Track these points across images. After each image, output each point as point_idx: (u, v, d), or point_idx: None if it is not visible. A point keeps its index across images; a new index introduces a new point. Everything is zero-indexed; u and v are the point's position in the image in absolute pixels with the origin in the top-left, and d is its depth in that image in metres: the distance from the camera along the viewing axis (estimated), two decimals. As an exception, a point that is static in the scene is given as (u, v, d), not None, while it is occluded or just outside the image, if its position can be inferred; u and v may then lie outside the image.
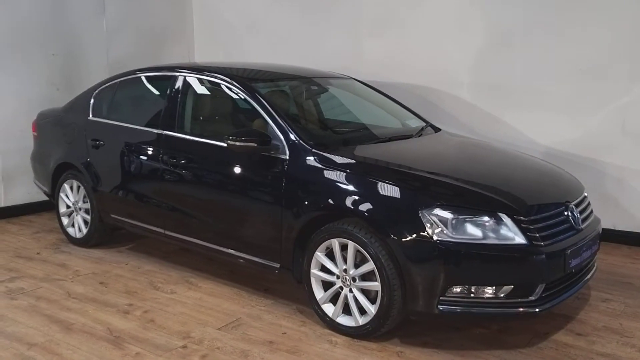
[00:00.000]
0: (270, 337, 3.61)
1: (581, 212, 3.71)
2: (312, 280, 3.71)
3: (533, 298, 3.29)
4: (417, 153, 4.06)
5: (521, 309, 3.29)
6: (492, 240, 3.24)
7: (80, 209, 5.20)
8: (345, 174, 3.61)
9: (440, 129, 4.71)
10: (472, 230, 3.25)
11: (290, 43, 6.86)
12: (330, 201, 3.58)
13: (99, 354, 3.41)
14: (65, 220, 5.36)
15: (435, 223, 3.24)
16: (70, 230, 5.32)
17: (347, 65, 6.17)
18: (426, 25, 5.93)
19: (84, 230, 5.18)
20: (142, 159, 4.62)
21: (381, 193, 3.45)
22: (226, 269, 4.66)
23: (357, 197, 3.49)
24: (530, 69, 5.44)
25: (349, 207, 3.49)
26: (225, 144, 4.01)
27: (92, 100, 5.15)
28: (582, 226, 3.63)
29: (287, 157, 3.80)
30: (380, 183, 3.47)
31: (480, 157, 4.14)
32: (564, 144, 5.35)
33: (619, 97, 5.09)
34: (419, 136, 4.46)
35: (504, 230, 3.26)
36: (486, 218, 3.27)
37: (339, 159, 3.71)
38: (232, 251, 4.12)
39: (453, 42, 5.80)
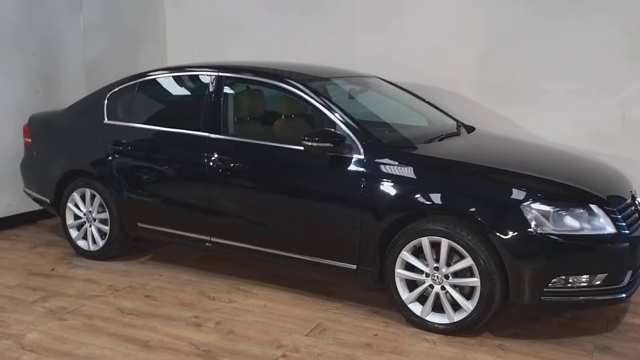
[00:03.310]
0: (364, 339, 3.56)
1: (639, 201, 3.96)
2: (397, 280, 3.69)
3: (624, 284, 3.46)
4: (485, 150, 4.16)
5: (614, 295, 3.45)
6: (587, 231, 3.39)
7: (94, 219, 4.84)
8: (434, 172, 3.64)
9: (470, 126, 4.81)
10: (571, 222, 3.38)
11: (277, 43, 6.71)
12: (423, 200, 3.57)
13: (199, 370, 3.22)
14: (74, 233, 4.97)
15: (537, 217, 3.33)
16: (81, 243, 4.93)
17: (340, 65, 6.14)
18: (425, 24, 6.00)
19: (100, 243, 4.83)
20: (181, 163, 4.41)
21: (479, 190, 3.51)
22: (267, 273, 4.54)
23: (453, 195, 3.53)
24: (531, 66, 5.66)
25: (445, 205, 3.52)
26: (288, 146, 3.96)
27: (105, 102, 4.82)
28: None
29: (363, 157, 3.76)
30: (476, 180, 3.54)
31: (539, 153, 4.27)
32: (566, 138, 5.59)
33: (618, 92, 5.41)
34: (460, 134, 4.53)
35: (596, 221, 3.41)
36: (581, 210, 3.41)
37: (422, 158, 3.74)
38: (300, 256, 4.00)
39: (452, 41, 5.91)
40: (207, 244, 4.36)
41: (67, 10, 6.16)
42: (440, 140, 4.20)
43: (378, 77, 5.17)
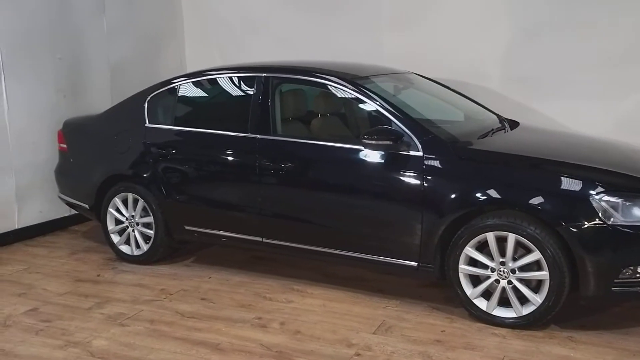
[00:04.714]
0: (433, 335, 3.56)
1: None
2: (461, 276, 3.70)
3: (689, 272, 3.49)
4: (539, 144, 4.17)
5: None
6: (654, 220, 3.41)
7: (137, 223, 4.81)
8: (498, 167, 3.66)
9: (514, 121, 4.82)
10: (638, 213, 3.39)
11: (298, 42, 6.66)
12: (488, 196, 3.58)
13: (277, 372, 3.21)
14: (115, 238, 4.92)
15: (607, 208, 3.35)
16: (124, 247, 4.89)
17: (365, 62, 6.13)
18: (450, 18, 5.99)
19: (144, 247, 4.80)
20: (231, 165, 4.38)
21: (546, 183, 3.52)
22: (317, 272, 4.53)
23: (519, 189, 3.54)
24: (559, 59, 5.68)
25: (511, 200, 3.54)
26: (344, 145, 3.98)
27: (146, 106, 4.78)
28: None
29: (422, 154, 3.76)
30: (542, 173, 3.56)
31: (592, 145, 4.26)
32: (596, 129, 5.63)
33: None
34: (505, 129, 4.53)
35: (660, 211, 3.43)
36: (646, 200, 3.43)
37: (484, 153, 3.75)
38: (359, 254, 3.99)
39: (479, 35, 5.91)
40: (260, 245, 4.34)
41: (91, 12, 6.10)
42: (492, 135, 4.21)
43: (415, 73, 5.16)
